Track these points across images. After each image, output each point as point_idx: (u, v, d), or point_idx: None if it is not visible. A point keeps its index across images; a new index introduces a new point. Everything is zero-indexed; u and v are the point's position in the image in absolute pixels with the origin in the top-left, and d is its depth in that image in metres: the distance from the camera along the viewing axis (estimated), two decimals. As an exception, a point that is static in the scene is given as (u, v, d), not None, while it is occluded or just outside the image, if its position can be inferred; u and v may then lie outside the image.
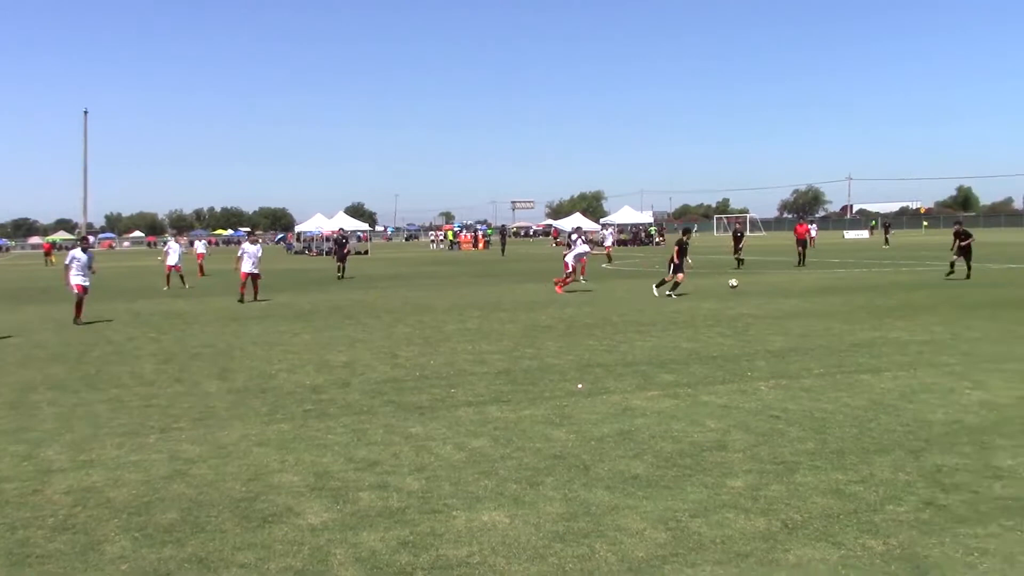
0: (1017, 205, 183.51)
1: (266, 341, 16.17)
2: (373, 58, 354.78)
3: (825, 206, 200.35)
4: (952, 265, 27.59)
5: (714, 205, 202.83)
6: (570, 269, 26.76)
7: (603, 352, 13.89)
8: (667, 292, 23.39)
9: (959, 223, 29.32)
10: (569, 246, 29.96)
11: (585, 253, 28.32)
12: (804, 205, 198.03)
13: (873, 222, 75.16)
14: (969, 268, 26.90)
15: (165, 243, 36.14)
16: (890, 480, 6.91)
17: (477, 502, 6.62)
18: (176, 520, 6.37)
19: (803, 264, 37.70)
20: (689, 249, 24.38)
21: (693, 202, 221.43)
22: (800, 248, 38.91)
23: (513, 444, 8.29)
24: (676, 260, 23.51)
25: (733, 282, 24.46)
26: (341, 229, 52.89)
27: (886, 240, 66.46)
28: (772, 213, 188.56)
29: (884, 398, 9.92)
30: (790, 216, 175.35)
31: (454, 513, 6.38)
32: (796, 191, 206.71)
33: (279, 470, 7.62)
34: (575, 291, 26.18)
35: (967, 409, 9.27)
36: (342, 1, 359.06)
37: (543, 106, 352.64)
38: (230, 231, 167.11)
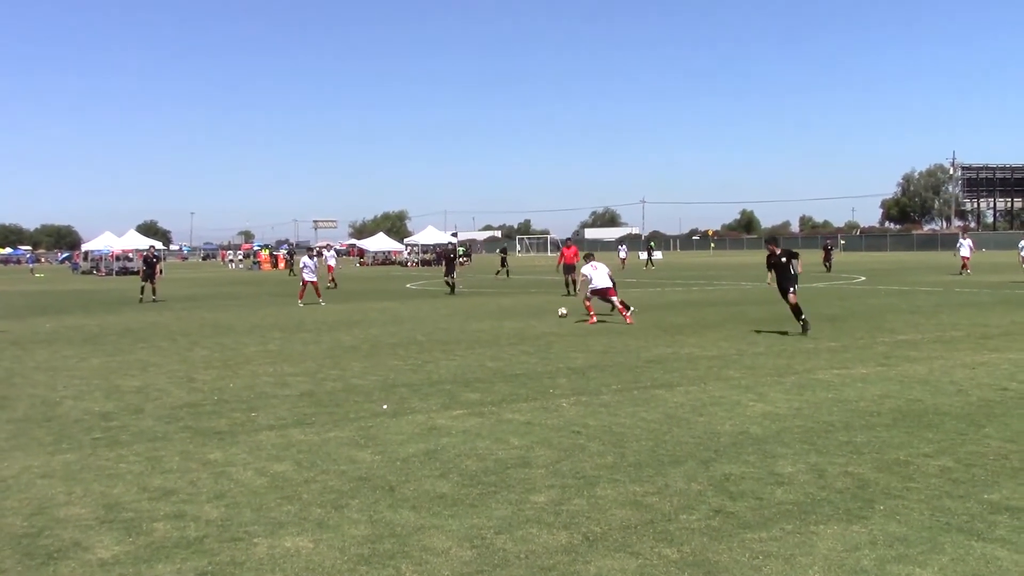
0: (794, 228, 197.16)
1: (51, 366, 15.21)
2: (166, 65, 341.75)
3: (622, 227, 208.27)
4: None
5: (516, 226, 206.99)
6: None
7: (408, 372, 13.88)
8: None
9: (828, 241, 31.15)
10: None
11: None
12: (601, 226, 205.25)
13: (651, 243, 78.19)
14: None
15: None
16: (683, 490, 7.25)
17: (280, 528, 6.47)
18: (-53, 561, 5.89)
19: (572, 294, 30.11)
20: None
21: (496, 222, 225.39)
22: (567, 275, 31.84)
23: (317, 467, 8.15)
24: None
25: (563, 310, 23.98)
26: (152, 247, 50.61)
27: (649, 262, 68.44)
28: (570, 234, 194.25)
29: (677, 412, 10.39)
30: (591, 236, 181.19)
31: (255, 540, 6.20)
32: (594, 213, 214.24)
33: (65, 503, 7.18)
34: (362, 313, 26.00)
35: (752, 420, 9.85)
36: (123, 7, 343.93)
37: (345, 123, 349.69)
38: (9, 249, 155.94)
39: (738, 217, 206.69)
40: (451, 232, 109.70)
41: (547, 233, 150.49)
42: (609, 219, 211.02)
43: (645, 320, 21.72)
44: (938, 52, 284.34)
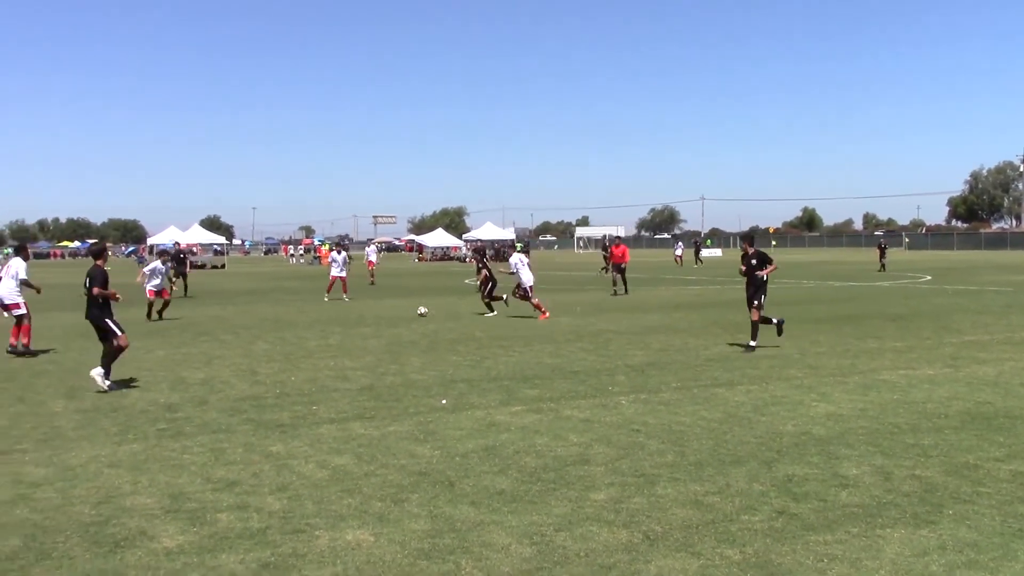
0: (857, 226, 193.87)
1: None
2: (229, 66, 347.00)
3: (680, 225, 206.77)
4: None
5: (574, 222, 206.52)
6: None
7: (467, 367, 13.91)
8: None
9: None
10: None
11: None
12: (660, 224, 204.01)
13: (709, 240, 76.56)
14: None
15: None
16: (745, 490, 7.15)
17: (341, 520, 6.51)
18: (19, 547, 6.03)
19: (623, 291, 30.66)
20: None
21: (554, 219, 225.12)
22: (616, 273, 31.51)
23: (377, 461, 8.20)
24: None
25: (422, 309, 23.21)
26: (177, 243, 50.86)
27: (698, 259, 66.71)
28: (631, 231, 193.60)
29: (738, 411, 10.27)
30: (647, 234, 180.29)
31: (317, 532, 6.26)
32: (652, 210, 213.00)
33: (132, 492, 7.31)
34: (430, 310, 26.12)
35: (815, 421, 9.69)
36: (191, 10, 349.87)
37: (405, 119, 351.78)
38: (77, 243, 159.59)
39: (799, 214, 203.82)
40: (509, 227, 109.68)
41: (605, 229, 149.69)
42: (668, 216, 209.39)
43: (704, 318, 21.53)
44: (1006, 47, 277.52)
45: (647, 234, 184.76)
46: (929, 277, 41.32)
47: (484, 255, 29.06)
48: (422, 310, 23.15)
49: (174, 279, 19.19)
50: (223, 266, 73.95)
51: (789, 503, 6.82)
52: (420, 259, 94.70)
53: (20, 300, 16.80)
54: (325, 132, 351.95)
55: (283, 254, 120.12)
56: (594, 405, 10.73)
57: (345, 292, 30.58)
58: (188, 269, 34.22)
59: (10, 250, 25.85)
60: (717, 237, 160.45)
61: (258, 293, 35.93)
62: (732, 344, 16.36)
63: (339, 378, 12.99)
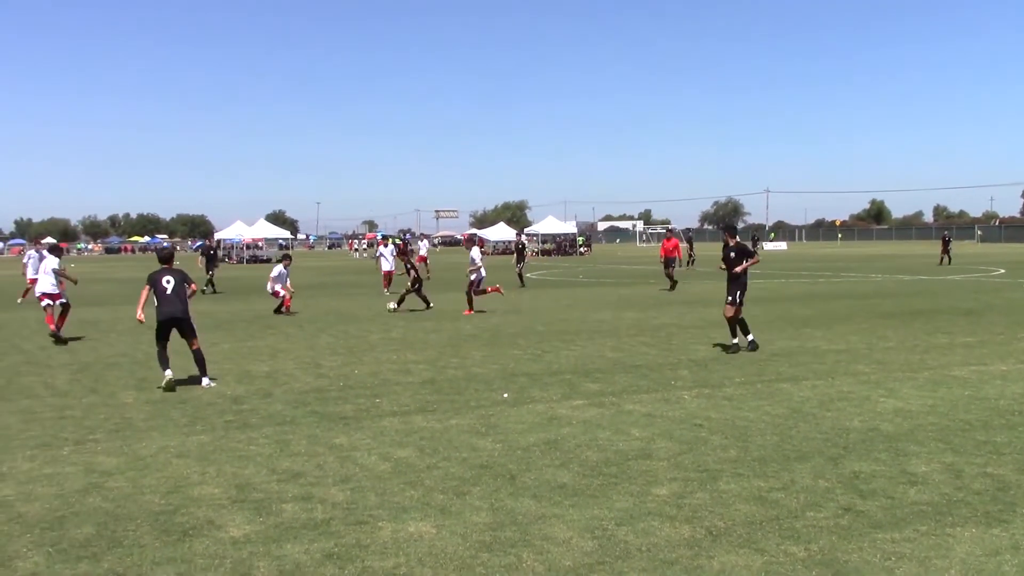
0: (927, 219, 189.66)
1: (185, 351, 15.77)
2: (293, 64, 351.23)
3: (745, 218, 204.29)
4: None
5: (636, 216, 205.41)
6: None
7: (528, 361, 13.92)
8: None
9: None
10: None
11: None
12: (724, 217, 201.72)
13: (772, 234, 74.19)
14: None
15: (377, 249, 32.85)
16: (810, 487, 7.05)
17: (403, 512, 6.56)
18: (92, 535, 6.19)
19: (669, 288, 29.28)
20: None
21: (616, 212, 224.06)
22: (667, 269, 30.33)
23: (439, 454, 8.25)
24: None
25: (391, 305, 23.14)
26: (209, 238, 50.69)
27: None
28: (694, 224, 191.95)
29: (803, 406, 10.12)
30: (711, 227, 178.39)
31: (380, 524, 6.32)
32: (716, 203, 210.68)
33: (199, 482, 7.45)
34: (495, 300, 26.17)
35: (882, 417, 9.51)
36: (258, 7, 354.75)
37: (467, 114, 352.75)
38: (146, 238, 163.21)
39: (867, 207, 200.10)
40: (571, 221, 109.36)
41: (668, 223, 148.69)
42: (732, 209, 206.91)
43: (769, 312, 21.25)
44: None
45: (710, 227, 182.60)
46: (1003, 271, 40.30)
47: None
48: (391, 305, 23.29)
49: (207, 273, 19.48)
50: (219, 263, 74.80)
51: (856, 500, 6.70)
52: (483, 253, 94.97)
53: (59, 291, 18.83)
54: (388, 127, 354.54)
55: (347, 248, 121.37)
56: (656, 400, 10.67)
57: (386, 287, 30.70)
58: (218, 264, 33.87)
59: (33, 251, 26.68)
60: (782, 230, 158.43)
61: (322, 287, 36.34)
62: (795, 340, 16.12)
63: (401, 371, 13.08)
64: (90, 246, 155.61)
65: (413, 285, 23.21)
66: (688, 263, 46.07)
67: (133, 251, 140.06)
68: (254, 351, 15.69)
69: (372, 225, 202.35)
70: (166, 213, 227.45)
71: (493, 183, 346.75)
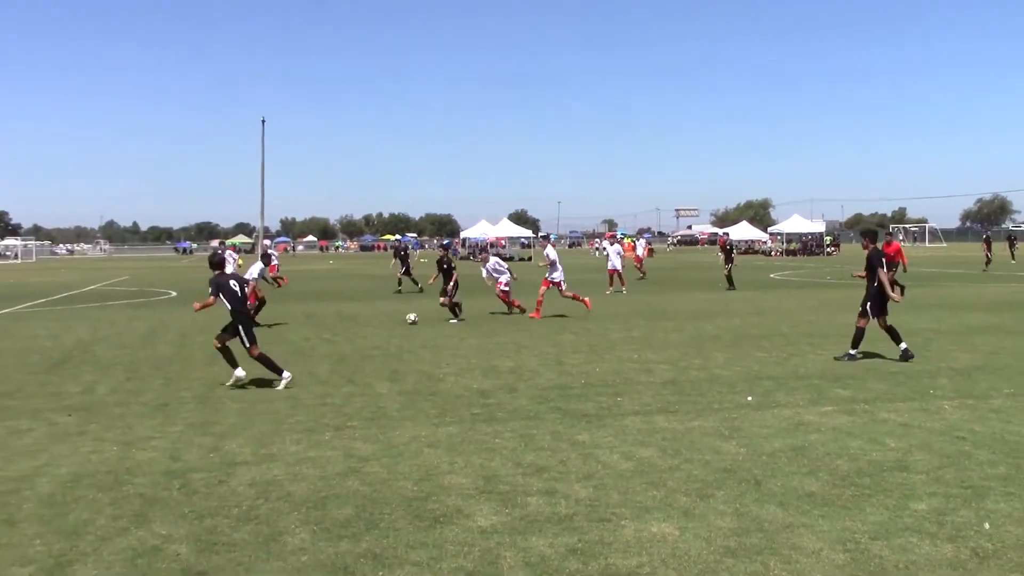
0: None
1: (434, 345, 16.52)
2: (537, 67, 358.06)
3: (1012, 216, 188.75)
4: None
5: (889, 214, 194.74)
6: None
7: (773, 364, 13.52)
8: None
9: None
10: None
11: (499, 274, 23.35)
12: (988, 215, 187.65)
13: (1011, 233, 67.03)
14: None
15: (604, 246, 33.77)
16: (1093, 511, 6.44)
17: (646, 512, 6.55)
18: (351, 516, 6.58)
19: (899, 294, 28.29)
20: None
21: (866, 211, 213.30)
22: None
23: (681, 455, 8.17)
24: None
25: (411, 316, 20.58)
26: (398, 239, 51.07)
27: (1012, 255, 59.01)
28: (953, 223, 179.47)
29: (1084, 422, 9.25)
30: (975, 226, 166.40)
31: (623, 523, 6.33)
32: (980, 200, 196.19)
33: (449, 471, 7.75)
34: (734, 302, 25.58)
35: None
36: (521, 5, 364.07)
37: (705, 109, 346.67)
38: (397, 236, 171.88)
39: None
40: (817, 219, 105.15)
41: (924, 222, 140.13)
42: (998, 206, 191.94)
43: (1041, 318, 19.57)
44: None
45: (974, 226, 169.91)
46: None
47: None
48: (411, 317, 20.64)
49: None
50: (530, 259, 76.57)
51: None
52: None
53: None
54: (627, 125, 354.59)
55: (588, 247, 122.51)
56: (913, 409, 10.08)
57: (618, 284, 30.71)
58: (408, 264, 33.81)
59: (223, 249, 27.88)
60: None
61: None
62: (1075, 348, 14.74)
63: (643, 371, 13.06)
64: (347, 244, 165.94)
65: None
66: (986, 265, 43.81)
67: (385, 248, 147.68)
68: (499, 347, 16.14)
69: (611, 224, 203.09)
70: (416, 212, 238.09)
71: (734, 181, 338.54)
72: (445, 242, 27.93)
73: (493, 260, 23.62)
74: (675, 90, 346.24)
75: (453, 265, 21.70)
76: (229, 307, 12.09)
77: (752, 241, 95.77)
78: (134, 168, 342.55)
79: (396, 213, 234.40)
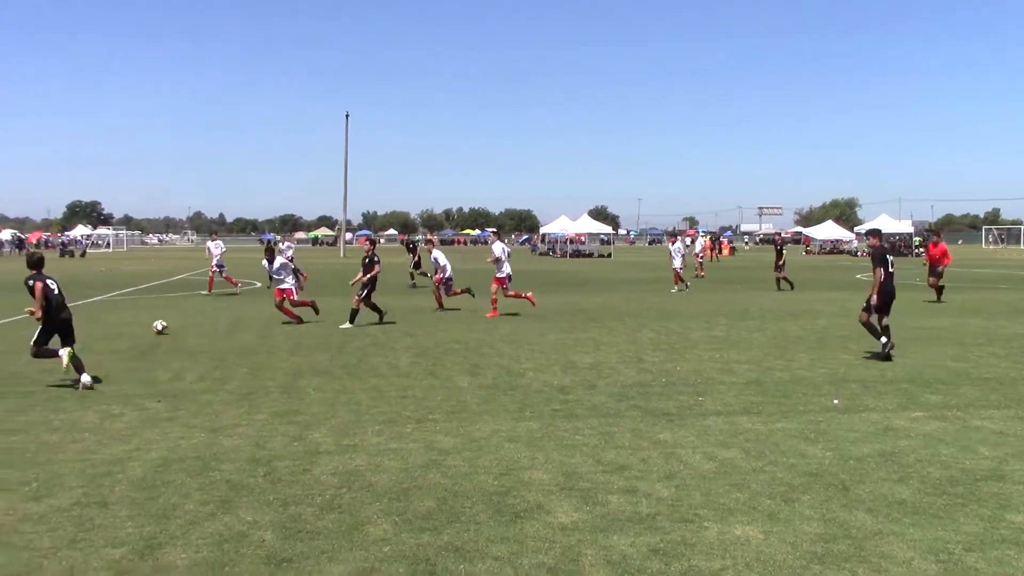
0: None
1: (514, 340, 16.53)
2: (612, 60, 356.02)
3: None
4: None
5: (982, 215, 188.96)
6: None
7: (860, 367, 13.21)
8: None
9: None
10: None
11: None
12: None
13: None
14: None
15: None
16: None
17: (729, 514, 6.45)
18: (433, 508, 6.61)
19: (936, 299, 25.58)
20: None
21: (958, 211, 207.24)
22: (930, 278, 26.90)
23: (765, 458, 8.02)
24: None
25: (159, 324, 17.54)
26: (408, 235, 49.40)
27: None
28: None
29: None
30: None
31: (705, 524, 6.24)
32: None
33: (529, 467, 7.74)
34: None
35: None
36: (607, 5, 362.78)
37: (789, 105, 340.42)
38: (476, 231, 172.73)
39: None
40: (906, 220, 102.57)
41: (1019, 223, 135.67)
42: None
43: None
44: None
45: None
46: None
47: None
48: (159, 324, 17.65)
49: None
50: (609, 255, 76.27)
51: None
52: (808, 251, 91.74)
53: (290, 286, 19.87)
54: (707, 122, 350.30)
55: (667, 244, 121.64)
56: (1009, 417, 9.74)
57: (678, 282, 30.46)
58: (417, 258, 33.25)
59: (279, 244, 26.88)
60: None
61: (643, 282, 36.64)
62: None
63: (724, 371, 12.87)
64: (427, 237, 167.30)
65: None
66: None
67: (464, 243, 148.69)
68: (578, 343, 16.07)
69: (692, 221, 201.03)
70: (495, 207, 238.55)
71: (820, 179, 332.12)
72: (373, 237, 24.99)
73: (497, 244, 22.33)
74: (761, 87, 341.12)
75: (377, 259, 19.78)
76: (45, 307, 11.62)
77: (837, 240, 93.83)
78: (221, 162, 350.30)
79: (476, 208, 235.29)
